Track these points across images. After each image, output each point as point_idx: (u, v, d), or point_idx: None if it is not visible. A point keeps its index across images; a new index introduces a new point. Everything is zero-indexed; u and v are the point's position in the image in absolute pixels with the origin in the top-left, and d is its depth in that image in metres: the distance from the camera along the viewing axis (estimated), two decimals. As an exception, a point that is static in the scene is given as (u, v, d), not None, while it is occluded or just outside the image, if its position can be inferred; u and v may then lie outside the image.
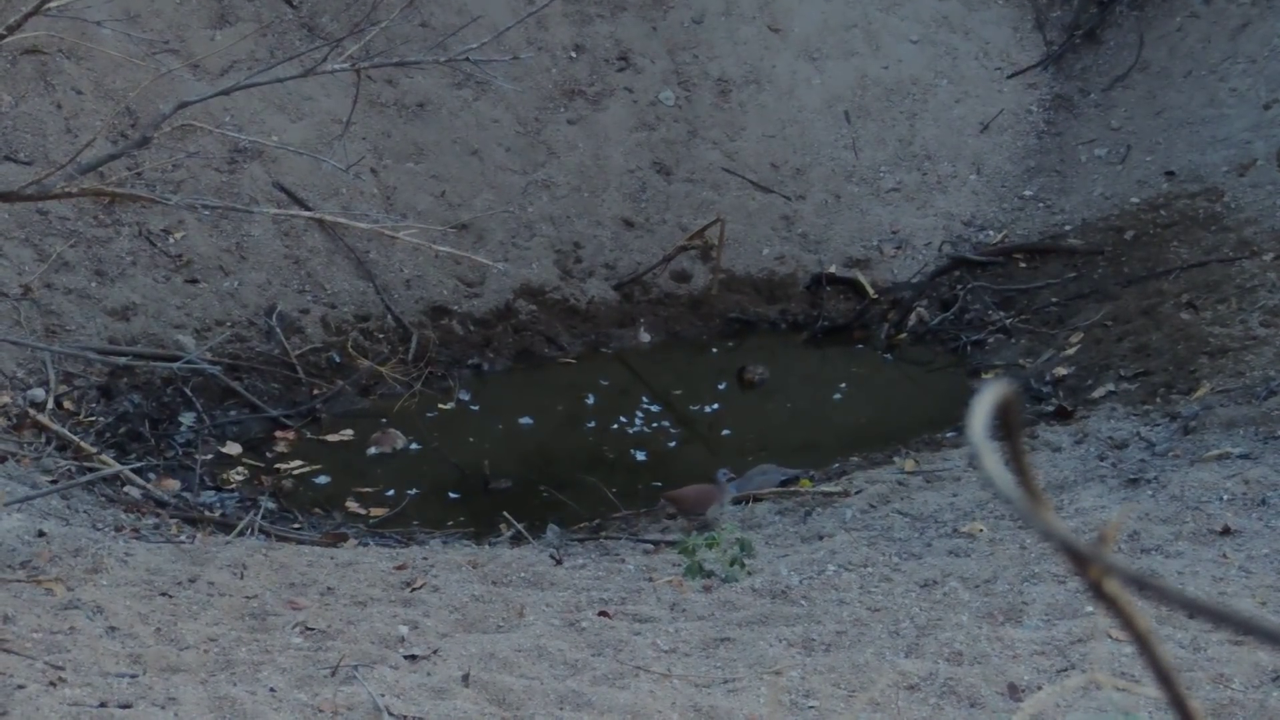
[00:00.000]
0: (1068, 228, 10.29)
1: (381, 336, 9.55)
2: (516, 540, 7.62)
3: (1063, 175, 10.65)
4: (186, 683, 5.40)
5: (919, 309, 10.09)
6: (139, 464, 8.20)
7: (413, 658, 5.70)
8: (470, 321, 9.78)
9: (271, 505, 8.06)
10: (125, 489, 7.83)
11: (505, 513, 7.93)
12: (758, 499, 7.91)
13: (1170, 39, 10.92)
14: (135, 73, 9.46)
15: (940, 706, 5.44)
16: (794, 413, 9.40)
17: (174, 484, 8.10)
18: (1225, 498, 7.04)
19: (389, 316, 9.61)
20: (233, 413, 8.85)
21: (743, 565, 6.58)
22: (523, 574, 6.64)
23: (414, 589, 6.37)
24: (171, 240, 9.39)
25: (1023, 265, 10.18)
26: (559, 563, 6.89)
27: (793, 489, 8.06)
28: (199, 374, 8.63)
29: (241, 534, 7.38)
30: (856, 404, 9.51)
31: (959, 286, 10.14)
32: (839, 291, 10.29)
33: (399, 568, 6.64)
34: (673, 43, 10.95)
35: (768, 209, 10.56)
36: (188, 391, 8.79)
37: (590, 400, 9.42)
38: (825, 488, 8.04)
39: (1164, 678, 1.51)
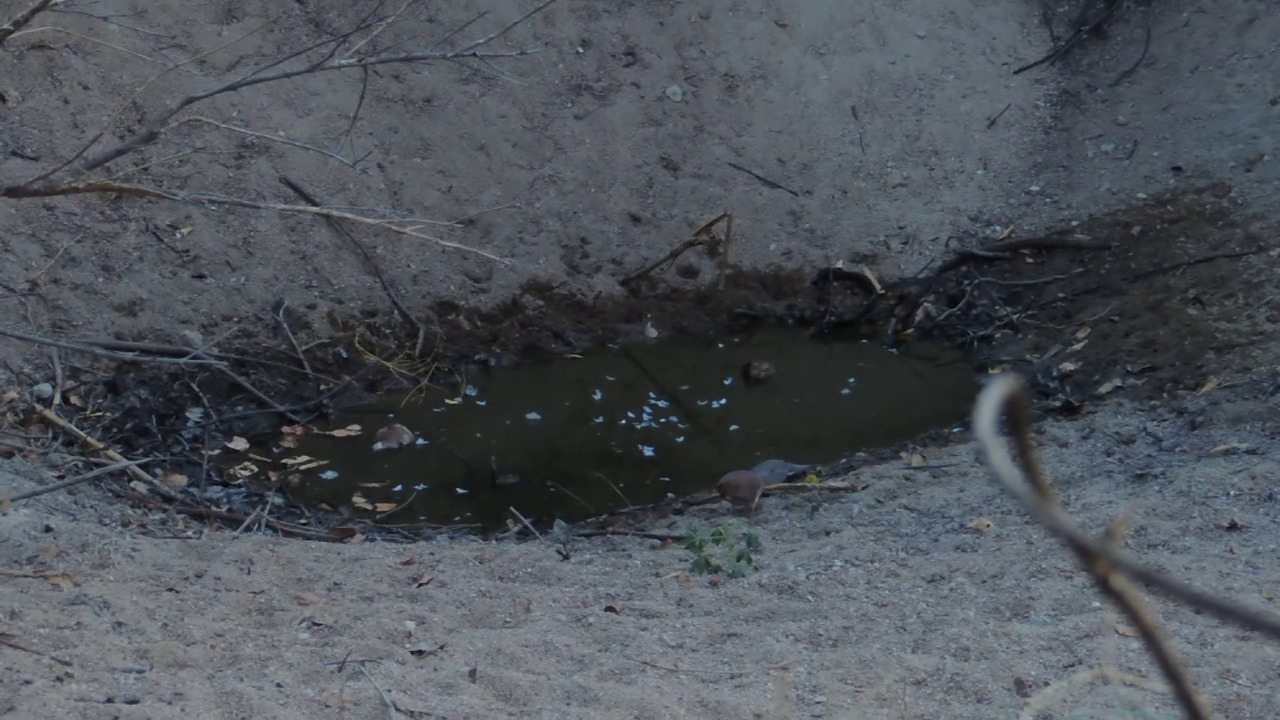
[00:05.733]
0: (1074, 223, 10.28)
1: (388, 332, 9.55)
2: (523, 535, 7.62)
3: (1069, 170, 10.64)
4: (193, 678, 5.40)
5: (926, 304, 10.08)
6: (146, 459, 8.20)
7: (420, 653, 5.70)
8: (477, 317, 9.78)
9: (278, 500, 8.06)
10: (132, 484, 7.83)
11: (512, 508, 7.93)
12: (764, 494, 7.91)
13: (1177, 34, 10.91)
14: (142, 68, 9.46)
15: (947, 702, 5.44)
16: (801, 408, 9.39)
17: (181, 479, 8.10)
18: (1232, 493, 7.04)
19: (396, 312, 9.61)
20: (239, 408, 8.86)
21: (749, 560, 6.58)
22: (529, 569, 6.64)
23: (421, 584, 6.37)
24: (178, 235, 9.40)
25: (1029, 260, 10.17)
26: (566, 558, 6.89)
27: (799, 484, 8.05)
28: (206, 369, 8.63)
29: (248, 529, 7.38)
30: (863, 399, 9.50)
31: (966, 282, 10.13)
32: (846, 287, 10.29)
33: (406, 563, 6.64)
34: (680, 38, 10.94)
35: (775, 204, 10.56)
36: (195, 387, 8.80)
37: (597, 395, 9.42)
38: (832, 483, 8.04)
39: (1171, 673, 1.51)
